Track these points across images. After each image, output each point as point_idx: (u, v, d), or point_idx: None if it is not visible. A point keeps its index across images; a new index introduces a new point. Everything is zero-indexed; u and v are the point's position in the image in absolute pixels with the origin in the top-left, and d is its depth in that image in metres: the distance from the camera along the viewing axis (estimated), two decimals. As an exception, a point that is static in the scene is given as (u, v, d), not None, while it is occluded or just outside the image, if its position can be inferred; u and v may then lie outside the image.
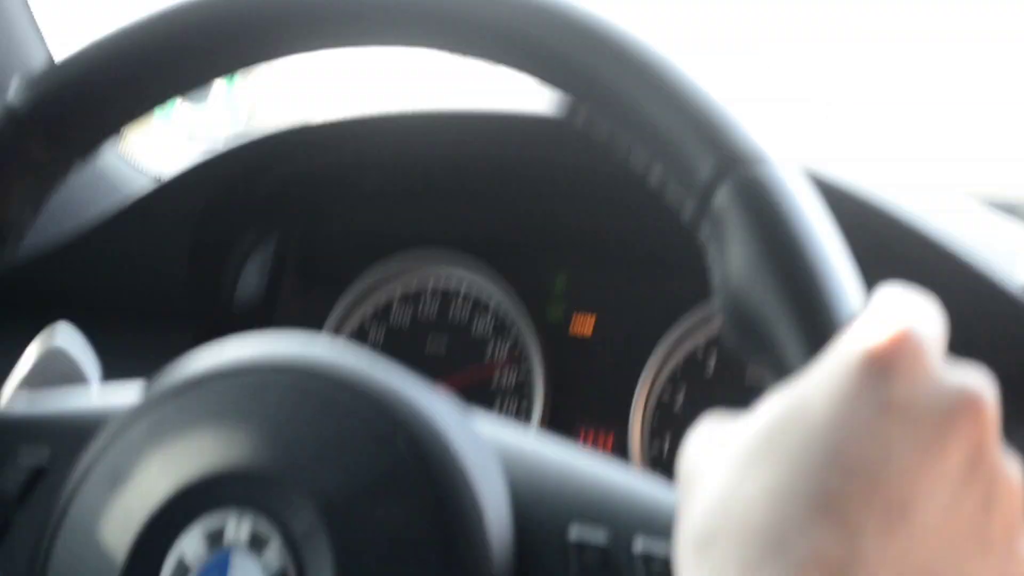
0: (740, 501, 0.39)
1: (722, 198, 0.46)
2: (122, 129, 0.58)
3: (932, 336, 0.41)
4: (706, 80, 0.50)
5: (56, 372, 0.70)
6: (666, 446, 1.10)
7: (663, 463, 1.10)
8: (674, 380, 1.11)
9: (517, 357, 1.16)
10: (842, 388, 0.39)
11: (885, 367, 0.39)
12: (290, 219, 1.20)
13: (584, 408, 1.15)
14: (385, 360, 0.55)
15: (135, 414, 0.55)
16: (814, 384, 0.40)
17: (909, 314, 0.41)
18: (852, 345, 0.40)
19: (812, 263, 0.44)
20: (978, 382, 0.40)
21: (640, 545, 0.52)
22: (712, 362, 1.10)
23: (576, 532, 0.52)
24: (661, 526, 0.52)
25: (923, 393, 0.39)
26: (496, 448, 0.55)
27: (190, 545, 0.51)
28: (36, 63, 1.19)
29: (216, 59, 0.57)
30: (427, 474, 0.51)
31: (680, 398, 1.11)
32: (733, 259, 0.45)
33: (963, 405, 0.39)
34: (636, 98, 0.49)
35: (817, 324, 0.43)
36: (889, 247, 0.93)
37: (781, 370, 0.44)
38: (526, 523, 0.53)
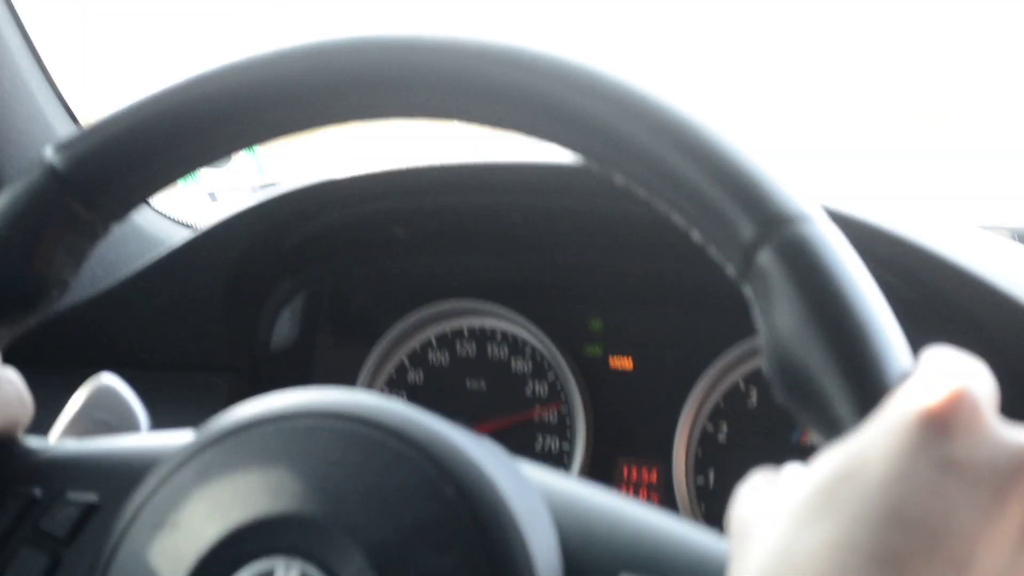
0: (800, 554, 0.40)
1: (765, 258, 0.47)
2: (159, 190, 0.60)
3: (986, 395, 0.41)
4: (739, 136, 0.50)
5: (104, 418, 0.70)
6: (711, 479, 1.10)
7: (708, 497, 1.09)
8: (717, 413, 1.11)
9: (558, 393, 1.16)
10: (900, 445, 0.40)
11: (943, 425, 0.40)
12: (323, 269, 1.21)
13: (626, 443, 1.14)
14: (430, 411, 0.55)
15: (185, 457, 0.55)
16: (870, 441, 0.41)
17: (962, 374, 0.42)
18: (908, 404, 0.41)
19: (860, 322, 0.44)
20: None
21: None
22: (755, 395, 1.10)
23: None
24: None
25: (983, 451, 0.40)
26: (544, 495, 0.55)
27: None
28: (63, 130, 1.21)
29: (255, 126, 0.58)
30: (476, 521, 0.50)
31: (724, 430, 1.10)
32: (780, 317, 0.46)
33: (1022, 461, 0.40)
34: (670, 163, 0.49)
35: (868, 383, 0.43)
36: (928, 286, 0.92)
37: (832, 428, 0.44)
38: (575, 570, 0.52)
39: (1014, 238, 1.18)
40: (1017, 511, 0.39)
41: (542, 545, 0.52)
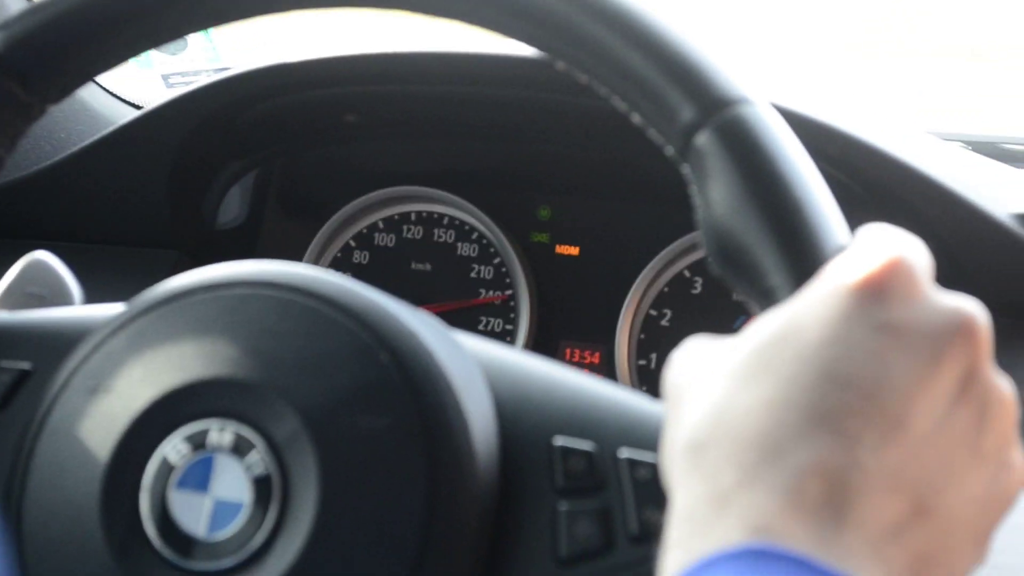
0: (736, 410, 0.41)
1: (703, 139, 0.48)
2: (99, 72, 0.59)
3: (922, 264, 0.42)
4: (680, 21, 0.50)
5: (36, 293, 0.70)
6: (653, 361, 1.11)
7: (650, 379, 1.11)
8: (661, 300, 1.12)
9: (503, 277, 1.16)
10: (837, 309, 0.41)
11: (879, 291, 0.41)
12: (273, 151, 1.20)
13: (570, 326, 1.15)
14: (367, 284, 0.56)
15: (118, 324, 0.55)
16: (807, 307, 0.42)
17: (898, 245, 0.42)
18: (844, 272, 0.42)
19: (796, 197, 0.45)
20: (971, 304, 0.42)
21: (625, 454, 0.52)
22: (700, 284, 1.11)
23: (561, 442, 0.53)
24: (646, 438, 0.52)
25: (918, 315, 0.41)
26: (480, 362, 0.55)
27: (173, 448, 0.51)
28: (11, 7, 1.19)
29: (199, 11, 0.57)
30: (410, 384, 0.51)
31: (667, 316, 1.11)
32: (716, 195, 0.47)
33: (958, 325, 0.41)
34: (611, 47, 0.50)
35: (804, 254, 0.45)
36: (873, 181, 0.94)
37: (768, 298, 0.45)
38: (511, 433, 0.53)
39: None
40: (951, 370, 0.40)
41: (477, 409, 0.52)
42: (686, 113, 0.48)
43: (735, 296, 0.47)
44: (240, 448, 0.50)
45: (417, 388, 0.51)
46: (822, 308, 0.41)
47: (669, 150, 0.50)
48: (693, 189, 0.48)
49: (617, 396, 0.55)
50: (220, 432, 0.51)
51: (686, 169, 0.49)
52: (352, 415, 0.51)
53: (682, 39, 0.49)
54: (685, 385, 0.44)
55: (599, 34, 0.50)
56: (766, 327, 0.42)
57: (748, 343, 0.42)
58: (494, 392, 0.54)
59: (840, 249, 0.45)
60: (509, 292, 1.16)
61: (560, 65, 0.53)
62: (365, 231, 1.21)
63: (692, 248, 1.11)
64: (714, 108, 0.48)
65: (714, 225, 0.47)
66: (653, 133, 0.51)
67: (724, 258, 0.47)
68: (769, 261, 0.45)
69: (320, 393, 0.51)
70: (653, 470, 0.51)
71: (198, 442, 0.51)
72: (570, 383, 0.55)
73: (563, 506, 0.52)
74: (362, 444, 0.50)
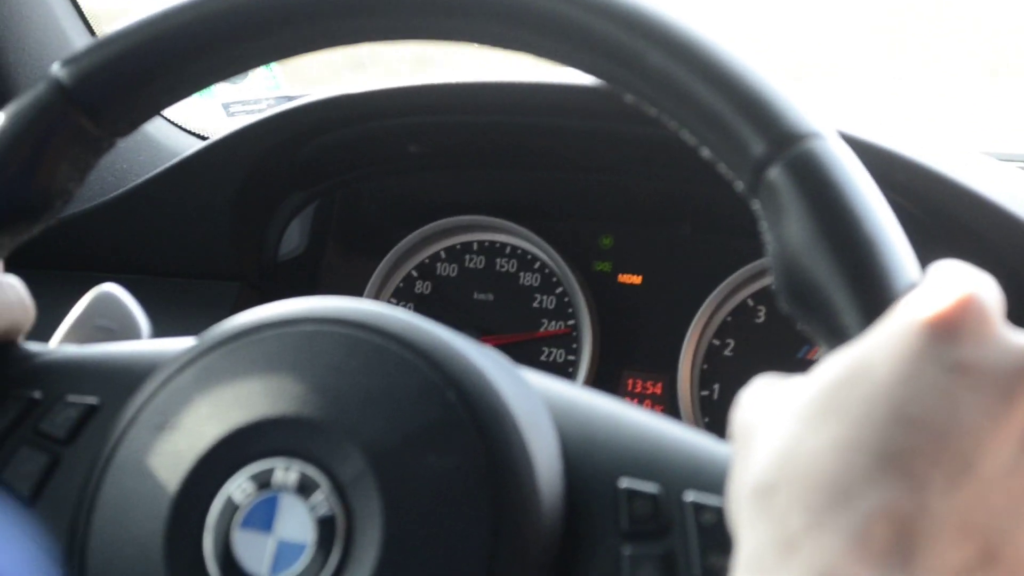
0: (805, 453, 0.40)
1: (775, 174, 0.47)
2: (167, 106, 0.60)
3: (993, 303, 0.42)
4: (750, 55, 0.50)
5: (105, 326, 0.70)
6: (716, 392, 1.10)
7: (713, 410, 1.10)
8: (724, 329, 1.11)
9: (566, 307, 1.16)
10: (907, 349, 0.40)
11: (950, 330, 0.40)
12: (335, 182, 1.21)
13: (632, 356, 1.15)
14: (433, 320, 0.56)
15: (186, 360, 0.56)
16: (877, 346, 0.41)
17: (969, 283, 0.42)
18: (915, 310, 0.41)
19: (868, 233, 0.45)
20: None
21: (691, 497, 0.51)
22: (763, 313, 1.10)
23: (626, 484, 0.52)
24: (712, 481, 0.52)
25: (990, 355, 0.40)
26: (546, 401, 0.55)
27: (238, 487, 0.51)
28: (79, 42, 1.20)
29: (267, 46, 0.58)
30: (477, 423, 0.51)
31: (731, 345, 1.11)
32: (788, 230, 0.46)
33: None
34: (681, 81, 0.50)
35: (874, 291, 0.44)
36: (939, 209, 0.93)
37: (837, 336, 0.45)
38: (576, 474, 0.53)
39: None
40: (1022, 412, 0.40)
41: (543, 449, 0.52)
42: (757, 147, 0.48)
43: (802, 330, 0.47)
44: (305, 488, 0.50)
45: (483, 428, 0.51)
46: (892, 347, 0.40)
47: (739, 185, 0.49)
48: (763, 225, 0.48)
49: (683, 436, 0.54)
50: (285, 471, 0.51)
51: (756, 204, 0.48)
52: (418, 455, 0.51)
53: (752, 71, 0.49)
54: (753, 426, 0.44)
55: (668, 67, 0.50)
56: (835, 366, 0.42)
57: (817, 383, 0.42)
58: (560, 431, 0.54)
59: (911, 287, 0.44)
60: (571, 323, 1.16)
61: (628, 97, 0.52)
62: (427, 261, 1.21)
63: (756, 276, 1.10)
64: (786, 142, 0.47)
65: (785, 262, 0.47)
66: (723, 167, 0.50)
67: (794, 295, 0.47)
68: (839, 298, 0.45)
69: (386, 432, 0.51)
70: (718, 514, 0.50)
71: (263, 481, 0.51)
72: (636, 422, 0.55)
73: (627, 550, 0.51)
74: (427, 485, 0.50)
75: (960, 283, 0.42)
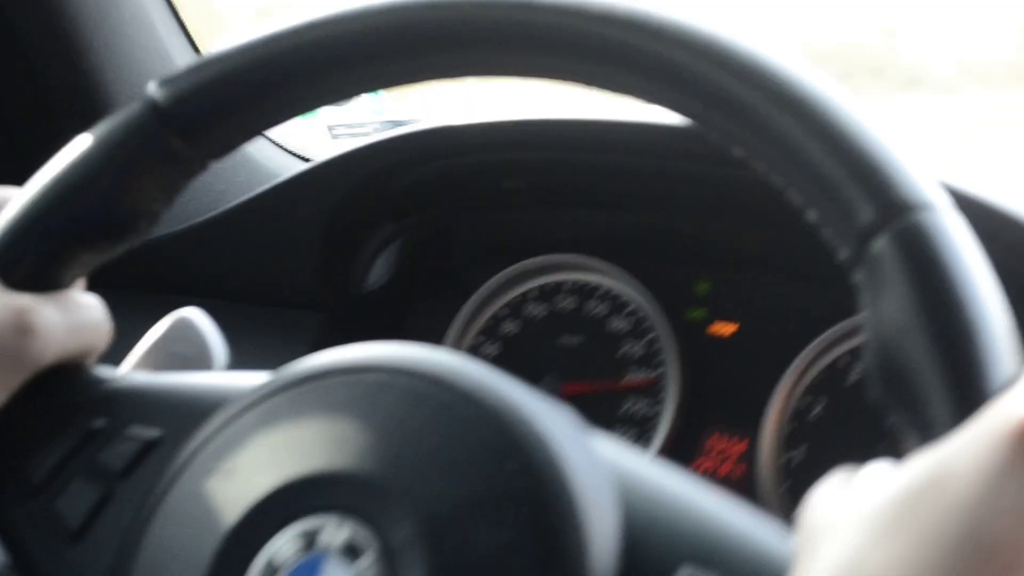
0: (869, 569, 0.38)
1: (881, 245, 0.45)
2: (262, 131, 0.60)
3: None
4: (867, 114, 0.48)
5: (181, 352, 0.70)
6: (799, 455, 1.08)
7: (794, 473, 1.08)
8: (814, 388, 1.08)
9: (653, 356, 1.14)
10: (990, 461, 0.37)
11: None
12: (427, 215, 1.21)
13: (716, 412, 1.12)
14: (509, 376, 0.54)
15: (251, 401, 0.55)
16: (960, 452, 0.38)
17: None
18: (1005, 416, 0.38)
19: (970, 321, 0.42)
20: None
21: None
22: (854, 374, 1.07)
23: (688, 572, 0.50)
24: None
25: None
26: (613, 474, 0.53)
27: (284, 544, 0.50)
28: (180, 61, 1.22)
29: (368, 76, 0.57)
30: (535, 498, 0.49)
31: (819, 407, 1.08)
32: (887, 308, 0.44)
33: None
34: (792, 139, 0.48)
35: (969, 387, 0.41)
36: None
37: (924, 430, 0.42)
38: (635, 556, 0.51)
39: None
40: None
41: (601, 528, 0.50)
42: (865, 214, 0.46)
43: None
44: (352, 550, 0.49)
45: (541, 503, 0.49)
46: (977, 455, 0.38)
47: (843, 252, 0.47)
48: (863, 299, 0.46)
49: (750, 526, 0.52)
50: (335, 530, 0.50)
51: (858, 276, 0.46)
52: (471, 526, 0.49)
53: (868, 131, 0.47)
54: (820, 529, 0.42)
55: (780, 123, 0.48)
56: (914, 470, 0.39)
57: (892, 488, 0.40)
58: (625, 509, 0.52)
59: (1009, 384, 0.41)
60: (658, 372, 1.14)
61: (737, 151, 0.51)
62: (516, 300, 1.20)
63: (851, 333, 1.07)
64: (897, 212, 0.45)
65: (880, 342, 0.44)
66: (826, 233, 0.48)
67: (886, 379, 0.44)
68: (931, 388, 0.42)
69: (442, 498, 0.49)
70: None
71: (310, 539, 0.50)
72: (705, 506, 0.53)
73: None
74: (475, 559, 0.48)
75: None
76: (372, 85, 0.58)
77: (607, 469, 0.53)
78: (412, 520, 0.49)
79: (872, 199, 0.46)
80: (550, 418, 0.53)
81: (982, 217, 0.48)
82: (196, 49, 1.26)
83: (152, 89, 0.57)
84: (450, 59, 0.56)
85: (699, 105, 0.51)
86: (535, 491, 0.49)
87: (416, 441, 0.51)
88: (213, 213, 1.15)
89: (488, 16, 0.54)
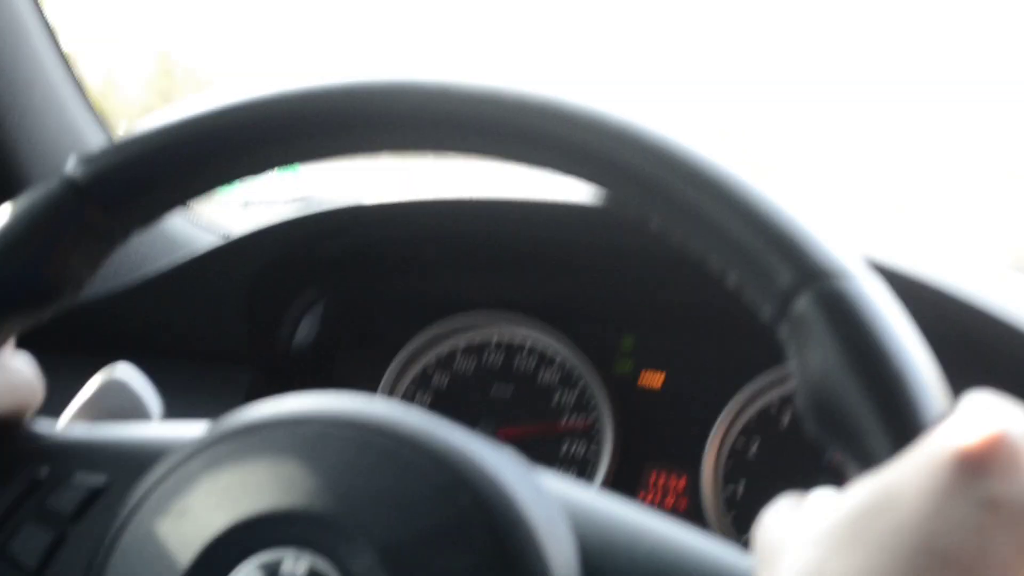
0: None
1: (802, 305, 0.46)
2: (179, 206, 0.60)
3: None
4: (779, 187, 0.50)
5: (116, 406, 0.69)
6: (740, 490, 1.08)
7: (738, 507, 1.08)
8: (748, 430, 1.09)
9: (586, 404, 1.15)
10: (937, 482, 0.39)
11: (981, 465, 0.39)
12: (350, 281, 1.21)
13: (655, 452, 1.13)
14: (447, 420, 0.54)
15: (196, 448, 0.54)
16: (905, 476, 0.40)
17: (1001, 416, 0.41)
18: (946, 442, 0.40)
19: (898, 365, 0.44)
20: None
21: None
22: (786, 418, 1.09)
23: None
24: None
25: (1022, 492, 0.39)
26: (564, 505, 0.54)
27: (246, 575, 0.49)
28: (94, 141, 1.22)
29: (283, 150, 0.58)
30: (490, 527, 0.49)
31: (754, 448, 1.09)
32: (815, 358, 0.46)
33: None
34: (708, 212, 0.49)
35: (904, 421, 0.43)
36: (973, 337, 0.91)
37: (864, 460, 0.44)
38: None
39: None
40: None
41: (559, 556, 0.50)
42: (784, 279, 0.47)
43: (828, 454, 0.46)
44: None
45: (497, 532, 0.49)
46: (921, 479, 0.39)
47: (765, 311, 0.49)
48: (790, 349, 0.47)
49: (705, 548, 0.53)
50: (295, 561, 0.49)
51: (783, 331, 0.48)
52: (430, 555, 0.49)
53: (780, 204, 0.49)
54: (776, 546, 0.43)
55: (695, 197, 0.49)
56: (862, 492, 0.41)
57: (843, 508, 0.41)
58: (578, 538, 0.52)
59: (942, 417, 0.43)
60: (592, 416, 1.14)
61: (653, 224, 0.52)
62: (445, 355, 1.20)
63: (778, 382, 1.09)
64: (814, 277, 0.46)
65: (811, 387, 0.46)
66: (748, 294, 0.49)
67: (820, 419, 0.46)
68: (867, 427, 0.44)
69: (398, 530, 0.49)
70: None
71: (272, 571, 0.49)
72: (657, 531, 0.53)
73: None
74: None
75: (992, 417, 0.41)
76: (289, 161, 0.59)
77: (556, 500, 0.54)
78: (371, 550, 0.49)
79: (790, 266, 0.47)
80: (494, 456, 0.53)
81: (895, 280, 0.50)
82: (105, 127, 1.26)
83: (71, 166, 0.57)
84: (372, 137, 0.57)
85: (614, 182, 0.52)
86: (490, 521, 0.49)
87: (365, 482, 0.51)
88: (137, 279, 1.15)
89: (411, 100, 0.55)
